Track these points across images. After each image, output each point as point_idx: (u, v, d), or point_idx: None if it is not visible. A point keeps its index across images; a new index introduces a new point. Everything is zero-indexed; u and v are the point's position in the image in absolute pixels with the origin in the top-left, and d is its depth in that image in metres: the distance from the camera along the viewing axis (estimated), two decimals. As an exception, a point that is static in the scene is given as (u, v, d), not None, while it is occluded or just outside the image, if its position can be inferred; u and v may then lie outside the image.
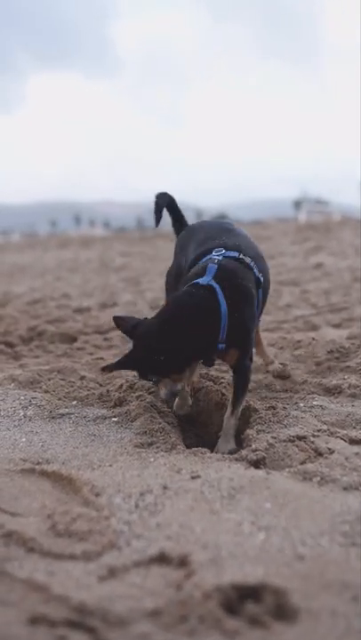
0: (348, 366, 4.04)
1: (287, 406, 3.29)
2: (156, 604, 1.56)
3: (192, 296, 2.94)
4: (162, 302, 7.79)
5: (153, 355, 2.84)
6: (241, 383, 3.08)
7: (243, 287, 3.05)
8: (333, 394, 3.57)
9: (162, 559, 1.80)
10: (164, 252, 16.32)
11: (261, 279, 3.20)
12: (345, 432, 2.88)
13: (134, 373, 3.93)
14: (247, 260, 3.15)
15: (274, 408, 3.20)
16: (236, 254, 3.14)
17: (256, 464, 2.56)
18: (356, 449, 2.64)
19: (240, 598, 1.57)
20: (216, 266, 3.03)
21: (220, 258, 3.09)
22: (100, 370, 3.40)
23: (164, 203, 3.83)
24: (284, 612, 1.53)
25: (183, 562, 1.76)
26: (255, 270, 3.17)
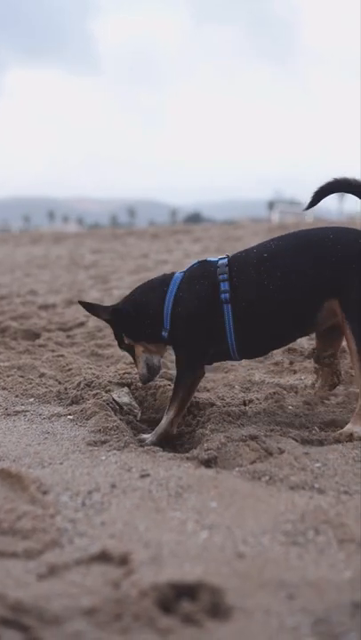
0: (306, 367, 4.07)
1: (243, 406, 3.31)
2: (92, 602, 1.56)
3: (159, 277, 3.27)
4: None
5: (120, 311, 3.20)
6: (174, 389, 3.09)
7: (194, 289, 3.05)
8: (290, 394, 3.59)
9: (103, 557, 1.80)
10: (136, 249, 16.31)
11: (223, 295, 2.95)
12: (297, 432, 2.91)
13: (93, 371, 3.93)
14: (220, 269, 3.00)
15: (230, 407, 3.22)
16: (217, 261, 3.07)
17: (207, 463, 2.57)
18: (306, 449, 2.67)
19: (176, 597, 1.58)
20: (195, 262, 3.19)
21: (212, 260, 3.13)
22: (78, 302, 3.72)
23: (333, 188, 3.07)
24: (218, 610, 1.54)
25: (124, 560, 1.77)
26: (222, 283, 2.96)
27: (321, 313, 2.93)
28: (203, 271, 3.07)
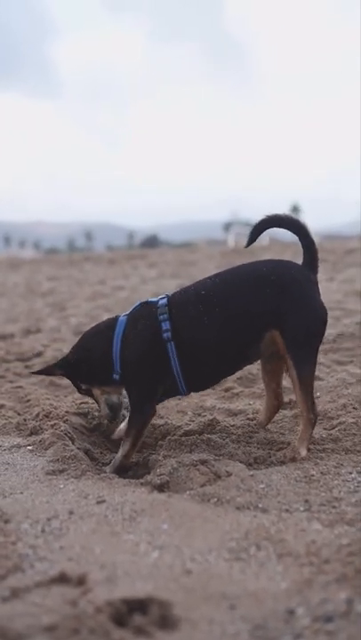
0: (254, 392, 4.28)
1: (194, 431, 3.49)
2: (52, 619, 1.71)
3: (105, 322, 3.41)
4: (86, 328, 7.92)
5: (70, 362, 3.34)
6: (127, 426, 3.22)
7: (137, 330, 3.18)
8: (238, 418, 3.78)
9: (62, 579, 1.95)
10: (93, 275, 16.44)
11: (165, 334, 3.11)
12: (244, 455, 3.09)
13: (51, 402, 4.07)
14: (160, 310, 3.17)
15: (181, 432, 3.40)
16: (157, 301, 3.22)
17: (160, 488, 2.74)
18: (252, 471, 2.86)
19: (129, 611, 1.75)
20: (137, 304, 3.32)
21: (154, 300, 3.27)
22: (30, 373, 3.93)
23: (268, 224, 3.30)
24: (167, 622, 1.71)
25: (81, 581, 1.93)
26: (163, 323, 3.13)
27: (263, 344, 3.13)
28: (144, 312, 3.22)
